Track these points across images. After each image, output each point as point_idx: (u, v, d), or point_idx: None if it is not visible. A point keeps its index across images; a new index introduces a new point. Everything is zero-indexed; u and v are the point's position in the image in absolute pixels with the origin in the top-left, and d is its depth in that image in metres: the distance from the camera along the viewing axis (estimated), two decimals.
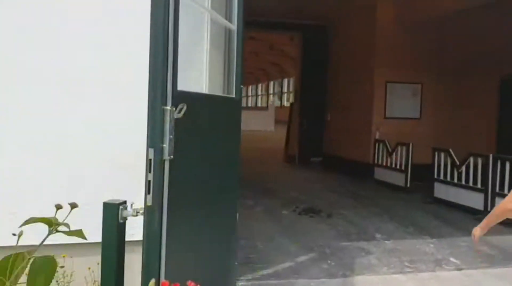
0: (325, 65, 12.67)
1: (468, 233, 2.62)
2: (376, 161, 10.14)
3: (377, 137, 10.24)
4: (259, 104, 59.83)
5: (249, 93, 66.94)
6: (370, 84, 10.49)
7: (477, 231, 2.47)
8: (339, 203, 8.07)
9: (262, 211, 7.37)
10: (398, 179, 9.24)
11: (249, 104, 65.17)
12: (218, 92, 2.93)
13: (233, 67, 2.86)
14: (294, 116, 13.20)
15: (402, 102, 10.47)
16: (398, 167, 9.34)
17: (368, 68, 10.58)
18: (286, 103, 51.21)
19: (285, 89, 51.88)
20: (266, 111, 32.87)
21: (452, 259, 5.18)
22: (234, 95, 2.86)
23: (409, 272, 4.76)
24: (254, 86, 63.76)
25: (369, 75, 10.54)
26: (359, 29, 11.06)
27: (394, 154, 9.49)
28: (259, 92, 61.90)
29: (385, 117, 10.42)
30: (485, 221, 2.45)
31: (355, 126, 11.06)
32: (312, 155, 12.77)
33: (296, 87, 13.24)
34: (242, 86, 2.80)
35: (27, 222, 1.56)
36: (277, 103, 49.68)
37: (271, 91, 57.18)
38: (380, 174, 9.94)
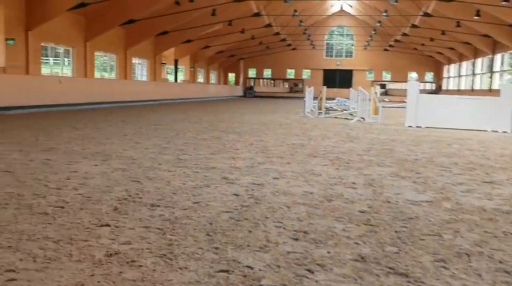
0: None
1: None
2: None
3: None
4: (476, 87, 45.02)
5: (462, 72, 51.70)
6: None
7: None
8: None
9: None
10: None
11: (462, 87, 50.25)
12: None
13: None
14: None
15: None
16: None
17: None
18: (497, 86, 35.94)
19: (496, 68, 37.20)
20: (491, 99, 16.02)
21: None
22: None
23: None
24: (470, 62, 48.58)
25: None
26: None
27: None
28: (476, 71, 46.70)
29: None
30: None
31: None
32: None
33: None
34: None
35: None
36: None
37: (478, 70, 42.06)
38: None
